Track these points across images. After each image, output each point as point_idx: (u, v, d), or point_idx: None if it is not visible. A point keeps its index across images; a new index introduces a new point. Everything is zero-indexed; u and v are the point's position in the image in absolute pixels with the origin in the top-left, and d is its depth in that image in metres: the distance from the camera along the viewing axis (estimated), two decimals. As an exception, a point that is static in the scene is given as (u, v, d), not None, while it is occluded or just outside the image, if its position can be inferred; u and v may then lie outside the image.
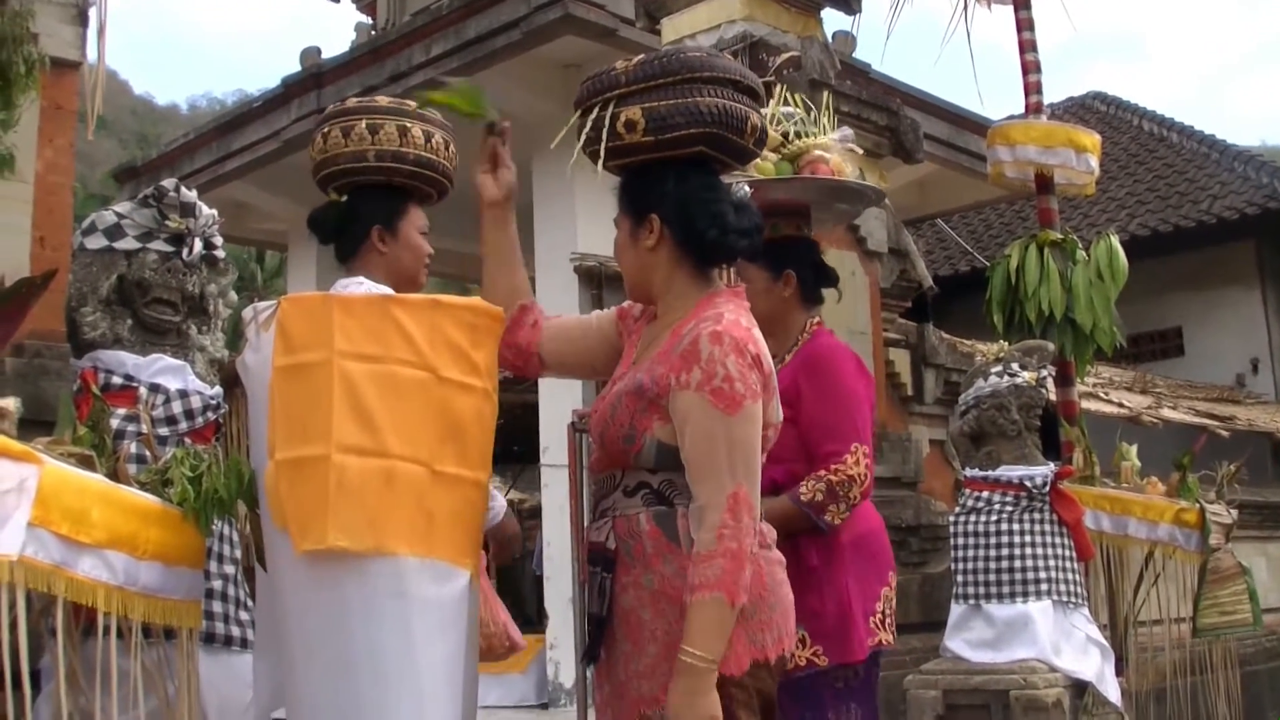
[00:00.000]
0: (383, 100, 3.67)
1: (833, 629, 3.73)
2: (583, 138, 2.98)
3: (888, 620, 3.87)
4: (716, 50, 3.44)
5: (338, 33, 54.42)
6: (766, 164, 4.00)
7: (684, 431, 2.72)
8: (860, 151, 4.38)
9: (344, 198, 3.61)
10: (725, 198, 2.93)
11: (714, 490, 2.64)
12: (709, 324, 2.75)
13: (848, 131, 4.25)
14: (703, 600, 2.59)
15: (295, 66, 12.85)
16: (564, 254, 9.95)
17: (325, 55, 12.52)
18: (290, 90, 12.52)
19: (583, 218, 10.18)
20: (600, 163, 2.98)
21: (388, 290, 3.30)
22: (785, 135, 4.12)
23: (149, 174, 14.18)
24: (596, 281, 8.33)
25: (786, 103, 4.21)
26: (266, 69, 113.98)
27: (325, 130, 3.59)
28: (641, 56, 2.98)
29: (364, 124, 3.54)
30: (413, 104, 3.58)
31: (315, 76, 12.19)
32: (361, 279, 3.41)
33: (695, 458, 2.69)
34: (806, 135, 4.14)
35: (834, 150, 4.13)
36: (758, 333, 2.80)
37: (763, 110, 3.01)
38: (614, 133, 2.91)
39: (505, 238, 3.31)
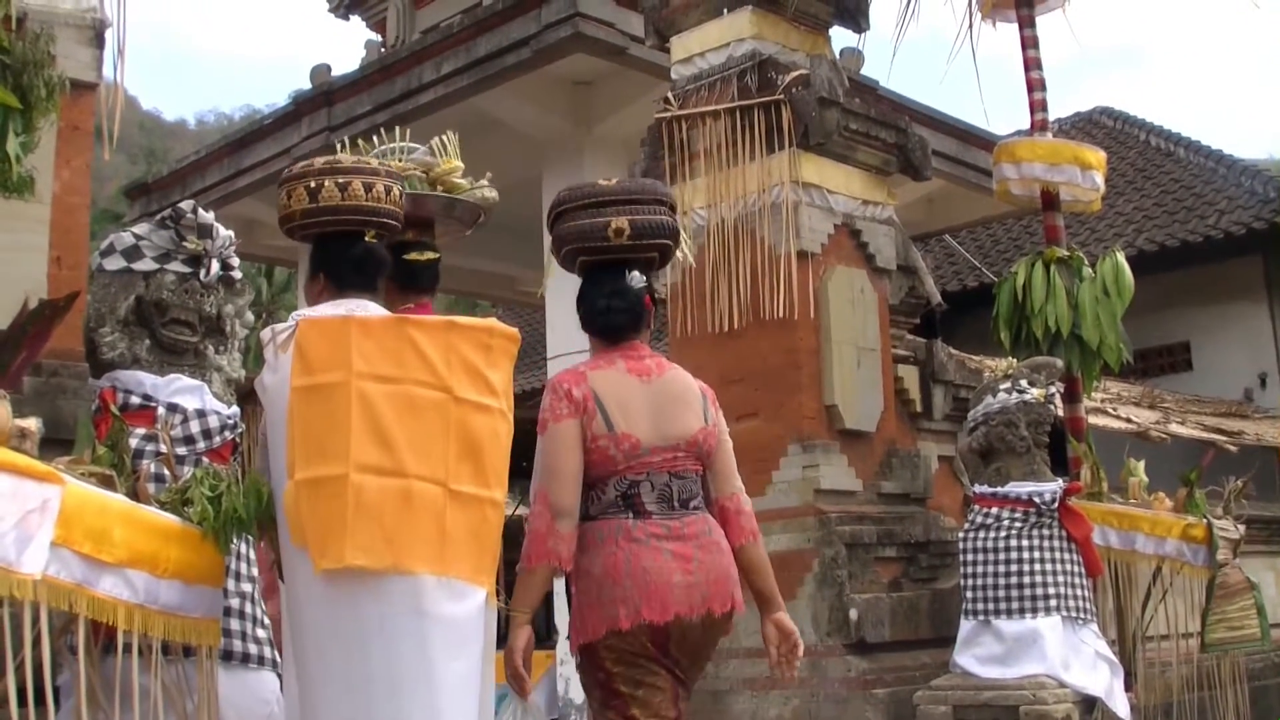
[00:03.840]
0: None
1: None
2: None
3: None
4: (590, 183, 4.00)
5: (346, 49, 54.60)
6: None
7: None
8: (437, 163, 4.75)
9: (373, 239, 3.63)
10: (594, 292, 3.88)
11: (533, 490, 3.64)
12: None
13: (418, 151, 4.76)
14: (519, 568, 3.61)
15: (302, 82, 12.89)
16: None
17: (335, 73, 12.55)
18: (301, 108, 12.56)
19: (592, 235, 10.19)
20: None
21: None
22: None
23: (159, 191, 14.23)
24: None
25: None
26: (274, 85, 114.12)
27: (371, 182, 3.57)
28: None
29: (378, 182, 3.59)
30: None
31: (326, 94, 12.22)
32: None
33: None
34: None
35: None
36: (595, 374, 3.72)
37: (622, 211, 3.82)
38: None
39: None
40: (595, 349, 3.89)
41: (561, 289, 10.24)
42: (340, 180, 3.46)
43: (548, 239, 4.15)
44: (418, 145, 4.77)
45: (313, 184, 3.45)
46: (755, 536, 3.84)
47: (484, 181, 4.70)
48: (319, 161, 3.58)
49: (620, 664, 3.57)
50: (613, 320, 3.83)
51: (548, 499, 3.56)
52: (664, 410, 3.72)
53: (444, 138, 4.74)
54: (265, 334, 3.20)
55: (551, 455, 3.60)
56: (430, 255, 4.62)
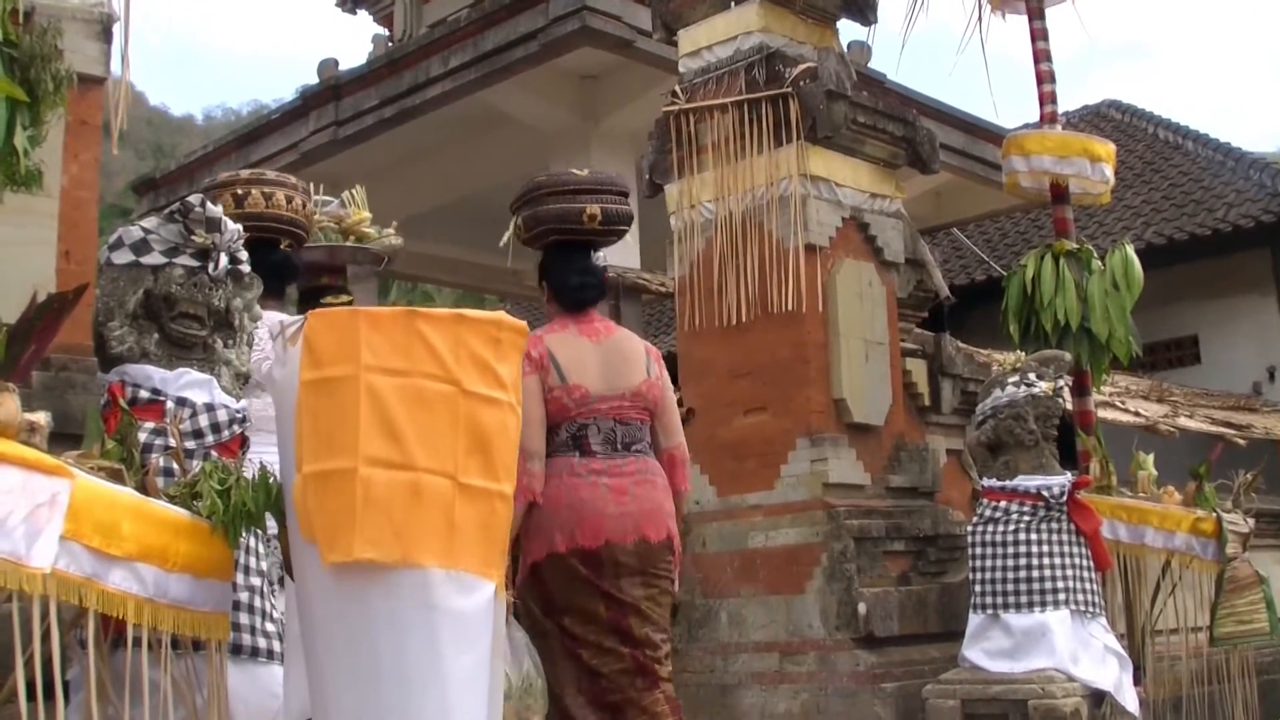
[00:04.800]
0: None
1: None
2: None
3: None
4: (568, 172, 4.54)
5: (353, 44, 54.55)
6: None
7: None
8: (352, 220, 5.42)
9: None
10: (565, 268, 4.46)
11: None
12: None
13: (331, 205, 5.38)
14: None
15: (310, 77, 12.94)
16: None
17: (342, 68, 12.55)
18: (308, 103, 12.58)
19: (599, 228, 10.20)
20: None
21: None
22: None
23: (167, 186, 14.25)
24: (614, 292, 8.35)
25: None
26: (281, 80, 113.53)
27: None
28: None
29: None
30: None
31: (333, 89, 12.23)
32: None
33: None
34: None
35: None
36: (550, 337, 4.31)
37: (595, 199, 4.35)
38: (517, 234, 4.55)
39: None
40: (552, 315, 4.46)
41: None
42: (265, 190, 3.67)
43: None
44: (330, 199, 5.35)
45: (239, 191, 3.61)
46: (686, 486, 4.56)
47: (389, 230, 5.02)
48: (244, 172, 3.76)
49: (558, 583, 4.18)
50: (585, 295, 4.44)
51: (520, 443, 3.92)
52: (611, 365, 4.35)
53: (353, 191, 5.28)
54: (274, 327, 3.19)
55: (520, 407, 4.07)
56: (345, 299, 4.90)
